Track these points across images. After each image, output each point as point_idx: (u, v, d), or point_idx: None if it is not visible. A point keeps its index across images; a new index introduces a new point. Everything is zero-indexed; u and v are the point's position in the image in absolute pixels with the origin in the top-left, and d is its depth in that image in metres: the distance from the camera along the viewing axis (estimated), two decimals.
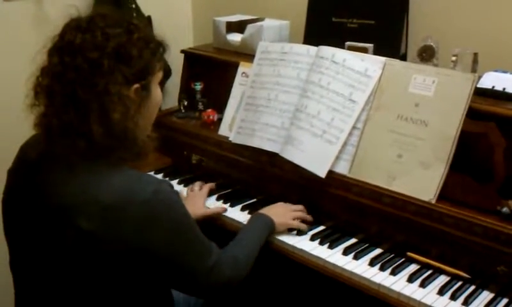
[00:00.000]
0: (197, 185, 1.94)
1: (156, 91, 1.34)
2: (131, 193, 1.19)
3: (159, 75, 1.34)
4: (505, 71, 1.68)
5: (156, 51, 1.31)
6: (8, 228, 1.35)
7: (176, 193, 1.30)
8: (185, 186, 2.01)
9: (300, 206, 1.76)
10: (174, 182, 2.04)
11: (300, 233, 1.71)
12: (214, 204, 1.88)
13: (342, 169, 1.71)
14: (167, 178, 2.06)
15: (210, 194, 1.93)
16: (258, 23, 2.19)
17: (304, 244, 1.66)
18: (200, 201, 1.84)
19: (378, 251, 1.63)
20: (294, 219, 1.71)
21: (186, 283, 1.33)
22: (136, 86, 1.25)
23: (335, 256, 1.61)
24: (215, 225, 1.81)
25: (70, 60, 1.20)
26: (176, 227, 1.26)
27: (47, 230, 1.23)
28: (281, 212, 1.72)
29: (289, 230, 1.71)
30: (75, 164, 1.22)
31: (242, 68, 2.04)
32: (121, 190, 1.19)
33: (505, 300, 1.43)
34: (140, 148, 1.28)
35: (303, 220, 1.73)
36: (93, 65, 1.19)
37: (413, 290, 1.46)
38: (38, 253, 1.26)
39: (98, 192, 1.18)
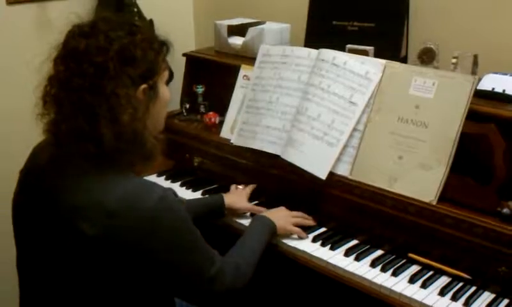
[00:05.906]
0: (241, 185, 1.94)
1: (163, 90, 1.34)
2: (136, 200, 1.19)
3: (165, 74, 1.34)
4: (505, 74, 1.69)
5: (160, 50, 1.32)
6: (16, 228, 1.35)
7: (181, 202, 1.29)
8: (187, 189, 2.02)
9: (300, 213, 1.76)
10: (176, 184, 2.05)
11: None
12: None
13: (343, 171, 1.72)
14: (169, 180, 2.07)
15: None
16: (259, 27, 2.20)
17: (306, 245, 1.67)
18: (244, 196, 1.86)
19: (379, 252, 1.64)
20: (294, 225, 1.71)
21: (188, 290, 1.33)
22: (144, 86, 1.26)
23: (336, 258, 1.61)
24: (216, 226, 1.81)
25: (76, 66, 1.21)
26: (179, 235, 1.25)
27: (52, 233, 1.23)
28: (282, 216, 1.72)
29: None
30: (83, 170, 1.22)
31: (244, 71, 2.05)
32: (126, 196, 1.19)
33: (506, 301, 1.44)
34: (149, 151, 1.28)
35: (303, 227, 1.73)
36: (98, 69, 1.20)
37: (414, 291, 1.47)
38: (44, 255, 1.27)
39: (103, 198, 1.18)
